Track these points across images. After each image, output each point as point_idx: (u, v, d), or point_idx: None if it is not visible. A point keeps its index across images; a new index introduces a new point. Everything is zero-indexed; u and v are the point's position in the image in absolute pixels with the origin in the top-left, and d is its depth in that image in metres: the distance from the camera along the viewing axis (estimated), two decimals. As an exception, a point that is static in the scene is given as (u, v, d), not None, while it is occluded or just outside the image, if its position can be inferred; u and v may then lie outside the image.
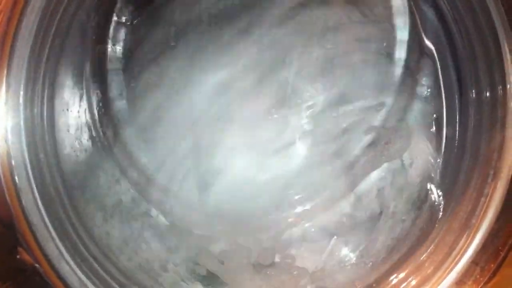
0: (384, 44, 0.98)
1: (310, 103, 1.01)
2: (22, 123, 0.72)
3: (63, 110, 0.88)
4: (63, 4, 0.76)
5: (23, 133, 0.73)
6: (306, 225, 1.02)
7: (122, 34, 0.99)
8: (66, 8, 0.77)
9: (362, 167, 1.03)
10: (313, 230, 1.02)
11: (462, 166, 0.85)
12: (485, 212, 0.79)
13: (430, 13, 0.91)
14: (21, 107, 0.72)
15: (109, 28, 0.99)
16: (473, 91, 0.83)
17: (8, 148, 0.71)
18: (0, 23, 0.68)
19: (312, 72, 1.00)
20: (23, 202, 0.73)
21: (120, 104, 1.00)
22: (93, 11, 0.92)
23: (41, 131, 0.77)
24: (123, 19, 0.99)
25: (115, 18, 0.98)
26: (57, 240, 0.76)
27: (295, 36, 0.99)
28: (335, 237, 1.00)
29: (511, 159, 0.77)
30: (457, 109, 0.88)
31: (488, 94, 0.80)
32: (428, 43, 0.93)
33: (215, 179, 1.02)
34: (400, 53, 0.98)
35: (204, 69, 1.00)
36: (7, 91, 0.70)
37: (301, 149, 1.02)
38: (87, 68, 0.95)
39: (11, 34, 0.69)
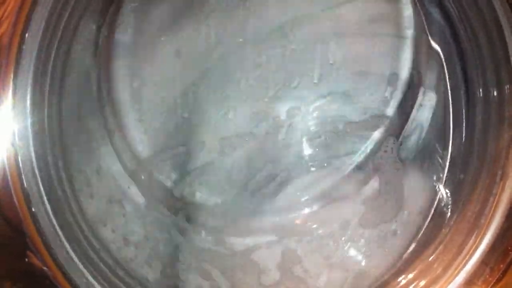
0: (391, 43, 0.98)
1: (317, 104, 1.01)
2: (29, 127, 0.73)
3: (70, 113, 0.88)
4: (69, 8, 0.76)
5: (30, 137, 0.73)
6: (313, 226, 1.02)
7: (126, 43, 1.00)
8: (72, 13, 0.78)
9: (371, 168, 1.02)
10: (320, 232, 1.01)
11: (470, 166, 0.85)
12: (494, 211, 0.79)
13: (435, 13, 0.90)
14: (28, 111, 0.72)
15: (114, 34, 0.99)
16: (480, 90, 0.83)
17: (16, 152, 0.71)
18: (7, 27, 0.68)
19: (318, 74, 1.00)
20: (31, 205, 0.73)
21: (126, 107, 1.00)
22: (98, 15, 0.92)
23: (49, 135, 0.77)
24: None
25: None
26: (66, 244, 0.77)
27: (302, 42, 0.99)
28: (342, 239, 1.00)
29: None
30: (464, 108, 0.88)
31: (495, 93, 0.80)
32: (434, 43, 0.93)
33: (220, 181, 1.02)
34: (407, 53, 0.97)
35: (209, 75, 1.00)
36: (14, 95, 0.71)
37: (307, 151, 1.02)
38: (94, 71, 0.95)
39: (18, 38, 0.69)
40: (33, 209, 0.73)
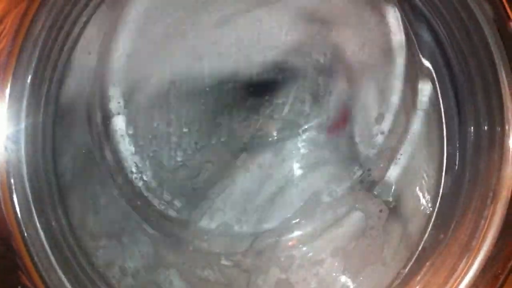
0: (382, 66, 0.99)
1: (306, 126, 1.01)
2: (23, 131, 0.70)
3: (65, 120, 0.86)
4: (69, 23, 0.77)
5: (22, 141, 0.71)
6: (304, 249, 1.01)
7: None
8: (72, 28, 0.78)
9: (359, 192, 1.03)
10: (310, 254, 1.01)
11: (462, 188, 0.85)
12: (485, 234, 0.79)
13: (426, 36, 0.92)
14: (23, 114, 0.70)
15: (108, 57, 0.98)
16: (472, 112, 0.84)
17: (8, 156, 0.69)
18: (5, 44, 0.68)
19: (310, 94, 1.01)
20: (20, 220, 0.71)
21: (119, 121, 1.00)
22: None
23: (42, 141, 0.75)
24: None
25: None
26: (56, 266, 0.74)
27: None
28: (335, 264, 0.99)
29: (510, 181, 0.78)
30: (456, 130, 0.88)
31: (486, 115, 0.81)
32: (426, 63, 0.94)
33: (211, 200, 1.01)
34: (398, 75, 0.99)
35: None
36: (10, 96, 0.69)
37: (297, 172, 1.02)
38: (91, 82, 0.94)
39: (21, 37, 0.68)
40: (23, 227, 0.71)
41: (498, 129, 0.79)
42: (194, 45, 0.97)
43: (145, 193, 0.99)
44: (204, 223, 1.01)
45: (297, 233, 1.02)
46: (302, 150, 1.02)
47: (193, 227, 1.01)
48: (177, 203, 1.01)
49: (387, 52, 0.98)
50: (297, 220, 1.02)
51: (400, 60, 0.98)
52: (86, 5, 0.83)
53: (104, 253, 0.89)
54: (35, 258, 0.71)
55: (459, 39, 0.83)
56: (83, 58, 0.90)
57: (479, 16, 0.78)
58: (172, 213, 1.00)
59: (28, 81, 0.71)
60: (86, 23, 0.84)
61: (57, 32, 0.75)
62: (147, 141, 0.99)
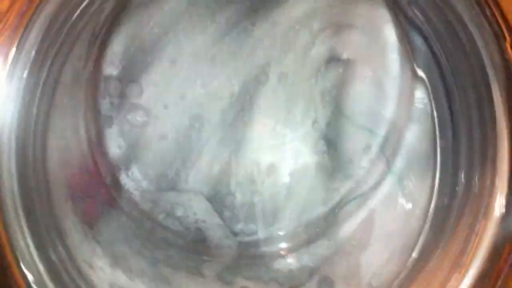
0: (377, 76, 0.99)
1: (294, 135, 1.02)
2: (15, 121, 0.70)
3: (59, 117, 0.85)
4: (68, 24, 0.76)
5: (13, 133, 0.70)
6: (295, 258, 1.01)
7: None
8: (76, 21, 0.78)
9: (351, 203, 1.02)
10: (302, 263, 1.00)
11: (454, 202, 0.85)
12: (476, 250, 0.78)
13: (421, 46, 0.92)
14: (18, 105, 0.70)
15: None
16: (465, 126, 0.84)
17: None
18: (11, 23, 0.67)
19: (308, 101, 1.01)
20: (6, 223, 0.71)
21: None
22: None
23: (33, 134, 0.75)
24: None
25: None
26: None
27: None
28: (327, 273, 0.99)
29: (502, 197, 0.77)
30: (450, 143, 0.88)
31: (478, 130, 0.80)
32: (420, 73, 0.94)
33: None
34: (392, 85, 0.99)
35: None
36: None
37: (286, 180, 1.03)
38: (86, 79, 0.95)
39: (20, 32, 0.68)
40: (10, 230, 0.71)
41: (491, 143, 0.79)
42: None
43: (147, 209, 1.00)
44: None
45: (288, 243, 1.02)
46: (290, 160, 1.02)
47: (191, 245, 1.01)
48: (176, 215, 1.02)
49: (382, 62, 0.98)
50: (289, 229, 1.02)
51: (395, 71, 0.98)
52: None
53: (101, 272, 0.89)
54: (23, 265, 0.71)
55: (453, 52, 0.83)
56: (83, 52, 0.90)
57: (474, 32, 0.77)
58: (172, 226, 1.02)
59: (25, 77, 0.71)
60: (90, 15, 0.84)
61: (58, 27, 0.75)
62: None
